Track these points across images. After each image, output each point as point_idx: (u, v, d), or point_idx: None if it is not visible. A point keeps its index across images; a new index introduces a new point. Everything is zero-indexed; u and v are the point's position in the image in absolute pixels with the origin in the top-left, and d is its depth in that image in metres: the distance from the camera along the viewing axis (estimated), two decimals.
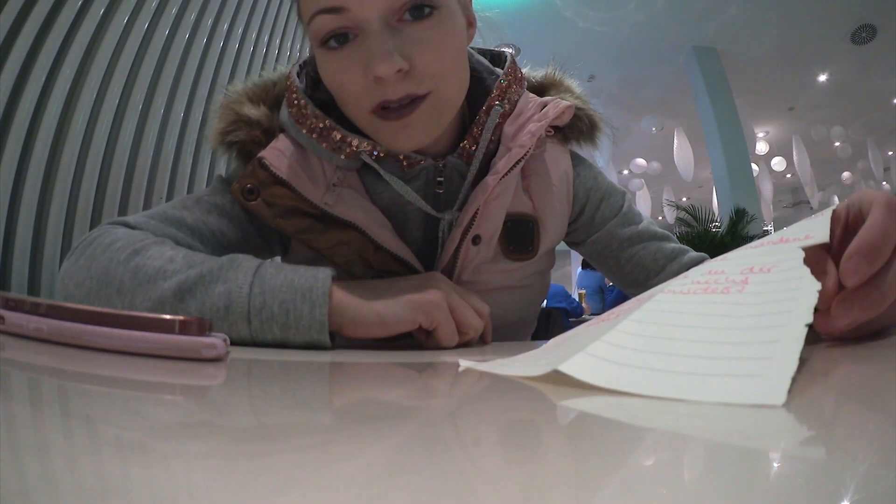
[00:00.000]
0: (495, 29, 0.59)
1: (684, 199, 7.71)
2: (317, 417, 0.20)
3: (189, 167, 1.29)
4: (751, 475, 0.12)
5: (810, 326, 0.20)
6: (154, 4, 1.20)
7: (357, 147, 0.52)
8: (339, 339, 0.44)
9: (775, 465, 0.13)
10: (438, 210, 0.55)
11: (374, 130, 0.50)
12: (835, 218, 0.30)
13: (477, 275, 0.58)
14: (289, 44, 1.65)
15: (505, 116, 0.57)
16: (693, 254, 0.66)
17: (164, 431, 0.16)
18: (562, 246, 0.69)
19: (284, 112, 0.55)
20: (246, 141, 0.55)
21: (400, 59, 0.44)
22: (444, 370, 0.33)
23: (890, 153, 7.10)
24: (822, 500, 0.11)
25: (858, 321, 0.27)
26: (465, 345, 0.48)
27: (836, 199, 7.45)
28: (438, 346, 0.45)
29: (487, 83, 0.58)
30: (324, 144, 0.53)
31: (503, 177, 0.53)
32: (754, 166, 5.67)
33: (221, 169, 1.35)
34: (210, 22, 1.35)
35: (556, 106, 0.56)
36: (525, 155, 0.53)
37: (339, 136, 0.52)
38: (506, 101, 0.56)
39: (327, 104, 0.54)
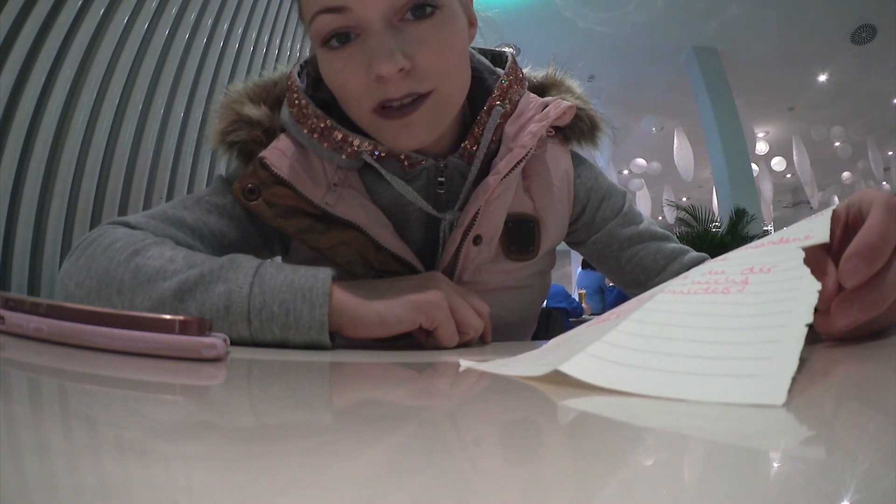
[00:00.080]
0: (496, 29, 0.59)
1: (684, 199, 7.71)
2: (317, 417, 0.20)
3: (189, 167, 1.29)
4: (751, 475, 0.12)
5: (810, 326, 0.20)
6: (154, 4, 1.20)
7: (358, 147, 0.52)
8: (339, 339, 0.44)
9: (775, 465, 0.13)
10: (439, 210, 0.55)
11: (376, 130, 0.50)
12: (835, 218, 0.30)
13: (478, 275, 0.58)
14: (289, 44, 1.65)
15: (506, 117, 0.57)
16: (693, 254, 0.66)
17: (164, 431, 0.16)
18: (562, 246, 0.69)
19: (285, 112, 0.55)
20: (247, 141, 0.55)
21: (402, 58, 0.44)
22: (445, 370, 0.33)
23: (890, 153, 7.10)
24: (822, 500, 0.11)
25: (858, 322, 0.27)
26: (465, 345, 0.48)
27: (836, 199, 7.45)
28: (439, 347, 0.45)
29: (488, 83, 0.58)
30: (325, 144, 0.53)
31: (504, 177, 0.53)
32: (754, 166, 5.67)
33: (221, 169, 1.35)
34: (210, 22, 1.35)
35: (558, 106, 0.56)
36: (526, 155, 0.53)
37: (340, 136, 0.52)
38: (507, 101, 0.56)
39: (328, 104, 0.54)
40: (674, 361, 0.21)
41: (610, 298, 3.88)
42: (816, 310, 0.21)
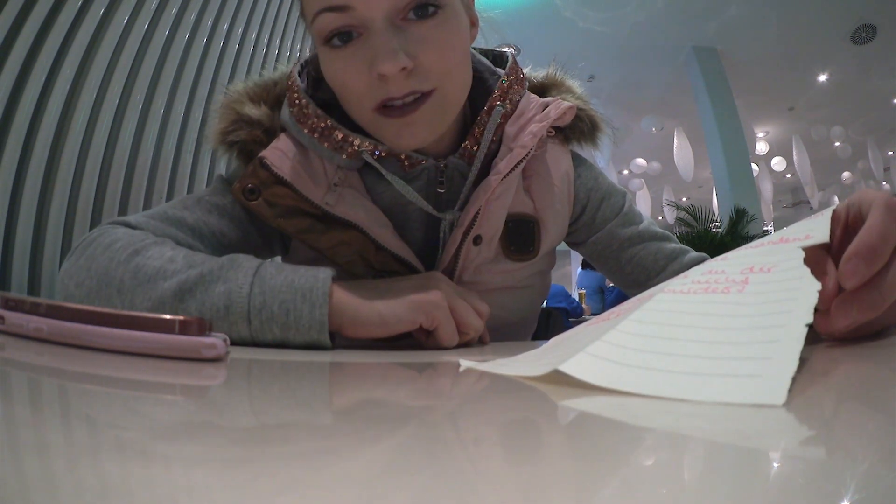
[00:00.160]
0: (497, 29, 0.59)
1: (684, 199, 7.71)
2: (317, 417, 0.20)
3: (189, 167, 1.29)
4: (751, 475, 0.12)
5: (810, 326, 0.20)
6: (154, 4, 1.20)
7: (359, 147, 0.52)
8: (340, 339, 0.44)
9: (775, 465, 0.13)
10: (439, 210, 0.55)
11: (378, 129, 0.50)
12: (835, 218, 0.30)
13: (478, 275, 0.58)
14: (289, 44, 1.65)
15: (506, 117, 0.57)
16: (693, 254, 0.66)
17: (164, 431, 0.16)
18: (562, 246, 0.69)
19: (286, 111, 0.55)
20: (247, 140, 0.55)
21: (405, 57, 0.44)
22: (445, 370, 0.33)
23: (890, 153, 7.10)
24: (822, 500, 0.11)
25: (858, 322, 0.27)
26: (465, 345, 0.48)
27: (836, 199, 7.45)
28: (439, 347, 0.45)
29: (489, 83, 0.58)
30: (325, 144, 0.53)
31: (505, 177, 0.53)
32: (754, 166, 5.67)
33: (221, 169, 1.35)
34: (210, 22, 1.35)
35: (558, 107, 0.56)
36: (526, 155, 0.53)
37: (340, 136, 0.52)
38: (507, 101, 0.56)
39: (328, 104, 0.54)
40: (674, 361, 0.21)
41: (610, 298, 3.87)
42: (816, 310, 0.21)
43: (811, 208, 7.07)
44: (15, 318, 0.31)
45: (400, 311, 0.44)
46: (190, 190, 1.30)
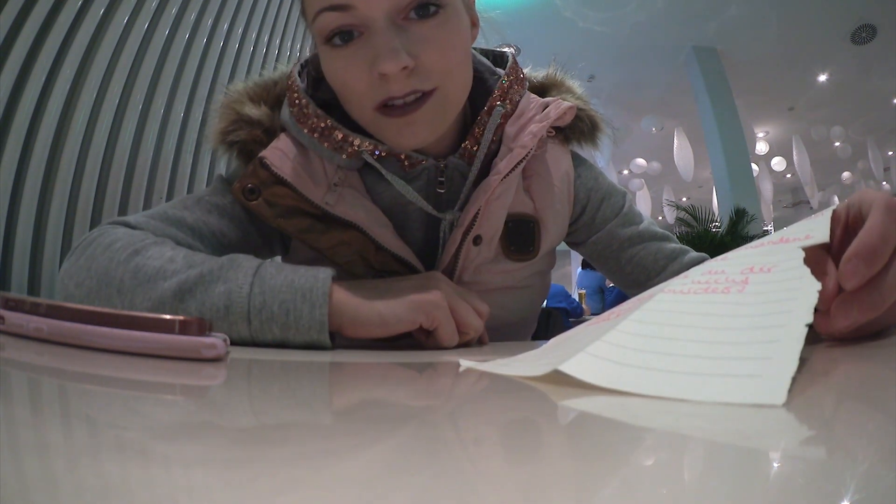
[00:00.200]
0: (498, 29, 0.59)
1: (684, 199, 7.71)
2: (317, 417, 0.20)
3: (189, 167, 1.29)
4: (751, 475, 0.12)
5: (810, 326, 0.20)
6: (154, 4, 1.20)
7: (359, 147, 0.52)
8: (340, 339, 0.44)
9: (775, 465, 0.13)
10: (439, 210, 0.55)
11: (378, 128, 0.50)
12: (835, 218, 0.30)
13: (478, 275, 0.58)
14: (289, 44, 1.65)
15: (506, 117, 0.57)
16: (693, 254, 0.66)
17: (164, 431, 0.16)
18: (562, 246, 0.69)
19: (286, 111, 0.55)
20: (247, 140, 0.55)
21: (406, 56, 0.44)
22: (445, 370, 0.33)
23: (890, 153, 7.10)
24: (822, 500, 0.11)
25: (858, 323, 0.27)
26: (464, 345, 0.48)
27: (836, 199, 7.45)
28: (439, 347, 0.45)
29: (489, 84, 0.58)
30: (325, 144, 0.53)
31: (505, 177, 0.53)
32: (754, 166, 5.67)
33: (221, 169, 1.35)
34: (210, 22, 1.35)
35: (558, 107, 0.56)
36: (526, 155, 0.53)
37: (340, 136, 0.52)
38: (507, 101, 0.56)
39: (328, 104, 0.54)
40: (674, 361, 0.21)
41: (610, 298, 3.87)
42: (816, 310, 0.21)
43: (811, 208, 7.07)
44: (15, 318, 0.31)
45: (400, 311, 0.44)
46: (190, 190, 1.30)
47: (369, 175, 0.56)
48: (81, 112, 1.05)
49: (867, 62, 4.93)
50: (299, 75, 0.56)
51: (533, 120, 0.55)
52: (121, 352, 0.30)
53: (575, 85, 0.65)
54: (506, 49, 0.63)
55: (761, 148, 6.36)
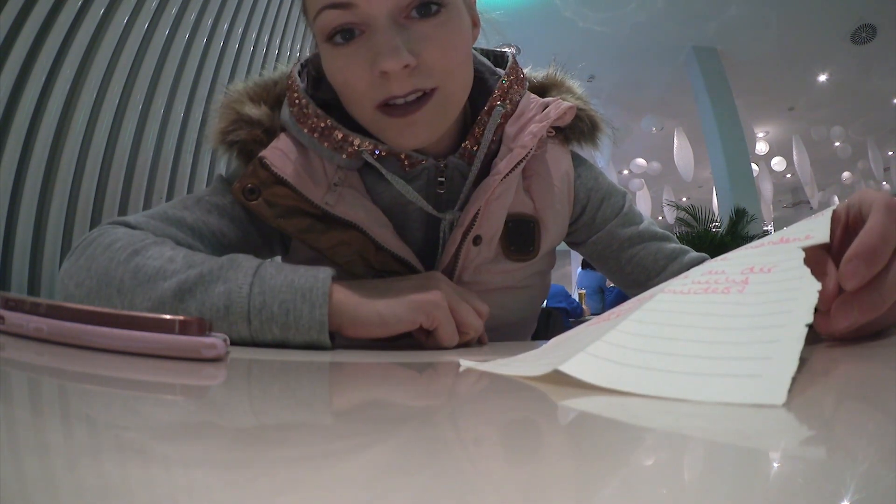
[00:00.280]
0: (499, 30, 0.60)
1: (684, 199, 7.71)
2: (317, 417, 0.20)
3: (189, 167, 1.29)
4: (751, 475, 0.12)
5: (810, 326, 0.20)
6: (154, 4, 1.20)
7: (359, 146, 0.52)
8: (339, 339, 0.44)
9: (775, 465, 0.13)
10: (439, 210, 0.55)
11: (379, 128, 0.50)
12: (835, 218, 0.30)
13: (478, 275, 0.58)
14: (289, 44, 1.65)
15: (506, 117, 0.57)
16: (693, 254, 0.66)
17: (164, 431, 0.16)
18: (562, 246, 0.69)
19: (286, 111, 0.55)
20: (247, 140, 0.55)
21: (407, 54, 0.44)
22: (445, 370, 0.33)
23: (890, 153, 7.10)
24: (822, 500, 0.11)
25: (858, 323, 0.27)
26: (464, 345, 0.48)
27: (836, 199, 7.45)
28: (439, 347, 0.45)
29: (489, 84, 0.58)
30: (325, 144, 0.53)
31: (504, 177, 0.53)
32: (754, 166, 5.67)
33: (221, 169, 1.35)
34: (210, 22, 1.35)
35: (558, 107, 0.56)
36: (526, 155, 0.53)
37: (340, 136, 0.52)
38: (507, 101, 0.56)
39: (328, 104, 0.54)
40: (674, 361, 0.21)
41: (610, 298, 3.87)
42: (816, 310, 0.21)
43: (811, 208, 7.07)
44: (15, 318, 0.31)
45: (400, 311, 0.44)
46: (190, 190, 1.30)
47: (369, 175, 0.56)
48: (81, 112, 1.05)
49: (867, 62, 4.93)
50: (299, 75, 0.56)
51: (533, 120, 0.55)
52: (121, 352, 0.30)
53: (575, 85, 0.65)
54: (506, 49, 0.63)
55: (761, 148, 6.36)
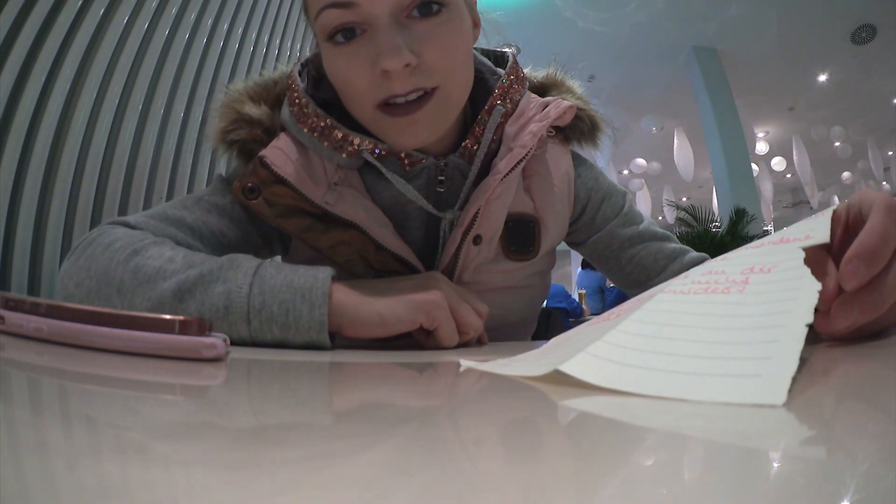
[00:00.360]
0: (499, 30, 0.60)
1: (684, 199, 7.71)
2: (317, 418, 0.20)
3: (189, 167, 1.29)
4: (751, 475, 0.12)
5: (810, 326, 0.20)
6: (154, 4, 1.20)
7: (359, 146, 0.52)
8: (339, 339, 0.44)
9: (775, 465, 0.13)
10: (439, 209, 0.55)
11: (380, 127, 0.50)
12: (835, 218, 0.30)
13: (478, 275, 0.57)
14: (289, 44, 1.65)
15: (507, 116, 0.57)
16: (694, 254, 0.66)
17: (164, 431, 0.16)
18: (562, 246, 0.69)
19: (286, 111, 0.55)
20: (247, 140, 0.55)
21: (409, 53, 0.44)
22: (445, 370, 0.33)
23: (890, 153, 7.10)
24: (822, 500, 0.11)
25: (858, 323, 0.27)
26: (464, 345, 0.48)
27: (836, 199, 7.45)
28: (439, 347, 0.45)
29: (490, 83, 0.58)
30: (325, 143, 0.53)
31: (504, 177, 0.53)
32: (754, 166, 5.67)
33: (221, 169, 1.35)
34: (210, 22, 1.35)
35: (558, 106, 0.56)
36: (526, 155, 0.53)
37: (340, 135, 0.52)
38: (508, 100, 0.56)
39: (328, 104, 0.54)
40: (674, 361, 0.21)
41: (610, 298, 3.87)
42: (816, 310, 0.21)
43: (811, 208, 7.07)
44: (15, 318, 0.31)
45: (400, 310, 0.44)
46: (190, 190, 1.30)
47: (369, 174, 0.56)
48: (81, 112, 1.05)
49: (867, 62, 4.93)
50: (299, 75, 0.56)
51: (533, 119, 0.55)
52: (121, 352, 0.30)
53: (575, 85, 0.65)
54: (507, 49, 0.63)
55: (761, 148, 6.36)
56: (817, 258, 0.28)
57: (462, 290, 0.49)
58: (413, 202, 0.54)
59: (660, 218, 7.47)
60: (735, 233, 4.24)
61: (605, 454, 0.14)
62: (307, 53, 0.60)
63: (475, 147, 0.56)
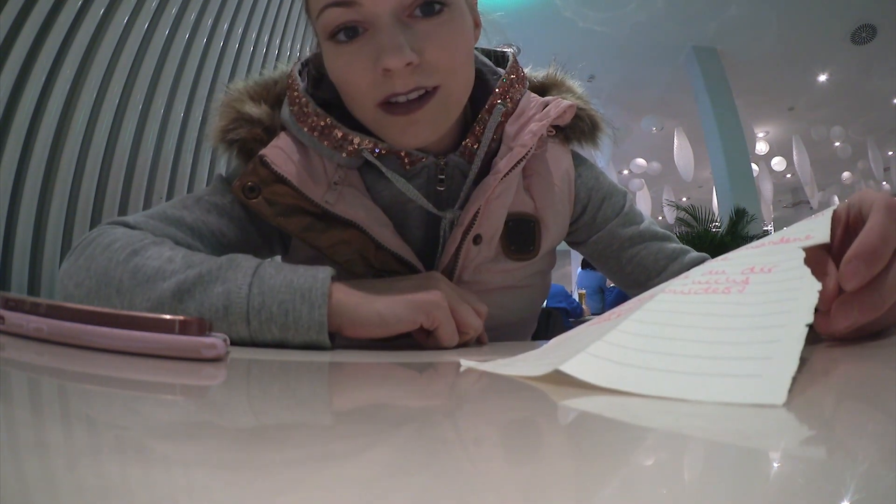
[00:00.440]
0: (500, 31, 0.60)
1: (684, 199, 7.71)
2: (316, 418, 0.20)
3: (189, 167, 1.29)
4: (751, 475, 0.12)
5: (810, 326, 0.20)
6: (154, 4, 1.20)
7: (359, 145, 0.52)
8: (339, 339, 0.44)
9: (775, 465, 0.13)
10: (439, 209, 0.55)
11: (381, 126, 0.50)
12: (835, 218, 0.30)
13: (478, 274, 0.57)
14: (289, 44, 1.65)
15: (507, 116, 0.57)
16: (694, 254, 0.66)
17: (164, 431, 0.16)
18: (562, 246, 0.69)
19: (286, 110, 0.55)
20: (247, 139, 0.55)
21: (410, 52, 0.44)
22: (445, 370, 0.33)
23: (890, 153, 7.10)
24: (822, 500, 0.11)
25: (858, 323, 0.27)
26: (464, 345, 0.48)
27: (836, 199, 7.45)
28: (438, 347, 0.45)
29: (490, 83, 0.58)
30: (325, 142, 0.53)
31: (505, 176, 0.53)
32: (754, 166, 5.67)
33: (221, 169, 1.35)
34: (210, 22, 1.35)
35: (558, 105, 0.57)
36: (526, 154, 0.53)
37: (340, 135, 0.52)
38: (508, 100, 0.56)
39: (329, 103, 0.54)
40: (674, 361, 0.21)
41: (610, 298, 3.88)
42: (817, 310, 0.21)
43: (811, 208, 7.07)
44: (15, 318, 0.31)
45: (400, 310, 0.44)
46: (190, 190, 1.30)
47: (369, 174, 0.56)
48: (81, 112, 1.05)
49: (867, 62, 4.93)
50: (300, 74, 0.56)
51: (533, 119, 0.55)
52: (121, 352, 0.30)
53: (575, 85, 0.65)
54: (507, 49, 0.63)
55: (761, 148, 6.36)
56: (817, 258, 0.28)
57: (462, 290, 0.49)
58: (413, 201, 0.54)
59: (660, 218, 7.47)
60: (735, 233, 4.24)
61: (605, 454, 0.14)
62: (307, 53, 0.60)
63: (475, 146, 0.56)
